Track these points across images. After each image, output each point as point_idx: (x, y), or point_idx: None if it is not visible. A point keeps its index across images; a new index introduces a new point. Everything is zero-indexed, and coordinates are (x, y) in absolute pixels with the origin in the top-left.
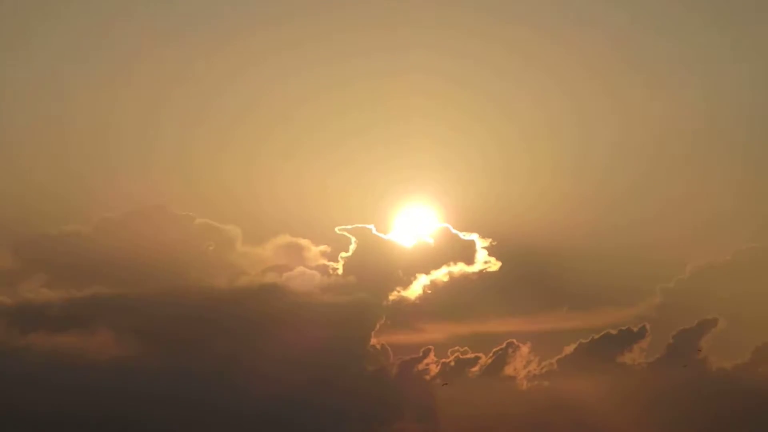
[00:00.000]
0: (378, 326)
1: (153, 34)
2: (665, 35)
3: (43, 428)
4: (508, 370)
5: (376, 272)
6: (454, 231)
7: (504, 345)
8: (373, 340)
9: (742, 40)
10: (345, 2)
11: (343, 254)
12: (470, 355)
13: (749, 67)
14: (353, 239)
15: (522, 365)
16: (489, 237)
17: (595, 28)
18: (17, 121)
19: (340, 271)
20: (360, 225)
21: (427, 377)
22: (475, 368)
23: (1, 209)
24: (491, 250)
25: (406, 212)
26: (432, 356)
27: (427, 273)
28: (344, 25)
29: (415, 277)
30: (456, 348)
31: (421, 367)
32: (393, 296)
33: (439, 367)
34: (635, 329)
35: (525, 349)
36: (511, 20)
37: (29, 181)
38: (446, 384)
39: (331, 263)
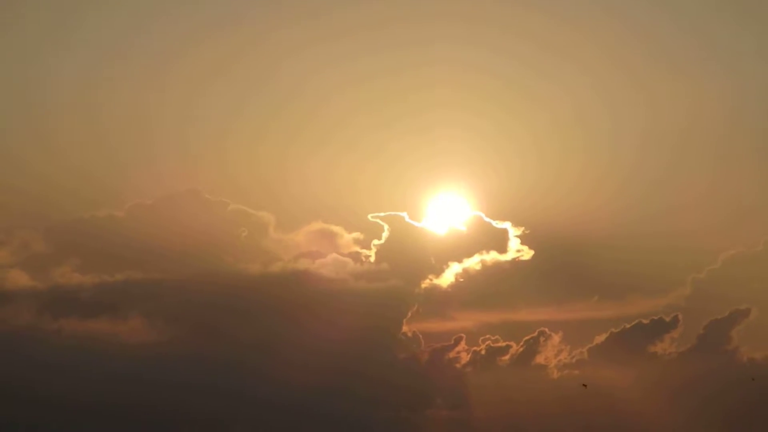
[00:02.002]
0: (410, 314)
1: (192, 30)
2: (691, 28)
3: (73, 412)
4: (539, 358)
5: (409, 260)
6: (487, 219)
7: (535, 334)
8: (405, 328)
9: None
10: None
11: (376, 241)
12: (501, 344)
13: None
14: (386, 227)
15: (553, 354)
16: (522, 225)
17: (623, 21)
18: (56, 107)
19: (372, 259)
20: (393, 212)
21: (458, 365)
22: (506, 357)
23: (34, 194)
24: (524, 239)
25: (438, 200)
26: (463, 344)
27: (460, 261)
28: (375, 19)
29: (448, 265)
30: (487, 336)
31: (452, 354)
32: (425, 284)
33: (470, 355)
34: (667, 319)
35: (556, 338)
36: (540, 12)
37: (63, 166)
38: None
39: (363, 250)
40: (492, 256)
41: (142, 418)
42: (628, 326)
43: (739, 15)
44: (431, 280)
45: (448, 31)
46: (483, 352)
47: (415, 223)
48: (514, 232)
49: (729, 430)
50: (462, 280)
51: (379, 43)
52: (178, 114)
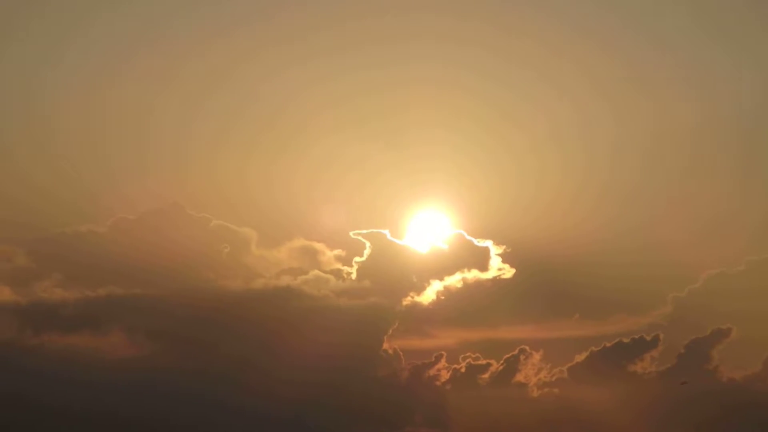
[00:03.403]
0: (391, 331)
1: (177, 48)
2: (663, 46)
3: (54, 426)
4: (519, 377)
5: (390, 277)
6: (469, 237)
7: (516, 352)
8: (386, 345)
9: (740, 49)
10: (365, 14)
11: (358, 259)
12: (482, 362)
13: (749, 74)
14: (368, 244)
15: (533, 372)
16: (503, 244)
17: (598, 41)
18: (31, 122)
19: (354, 276)
20: (374, 230)
21: (438, 383)
22: (486, 375)
23: (16, 208)
24: (505, 257)
25: (420, 218)
26: (443, 362)
27: (441, 279)
28: (362, 37)
29: (429, 283)
30: (468, 354)
31: (432, 372)
32: (406, 301)
33: (450, 373)
34: (648, 338)
35: (536, 356)
36: (518, 35)
37: (44, 181)
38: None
39: (345, 267)
40: (473, 274)
41: (124, 426)
42: (608, 345)
43: (709, 34)
44: (412, 297)
45: (430, 51)
46: (463, 369)
47: (397, 241)
48: (495, 250)
49: None
50: (443, 297)
51: (366, 61)
52: (163, 129)
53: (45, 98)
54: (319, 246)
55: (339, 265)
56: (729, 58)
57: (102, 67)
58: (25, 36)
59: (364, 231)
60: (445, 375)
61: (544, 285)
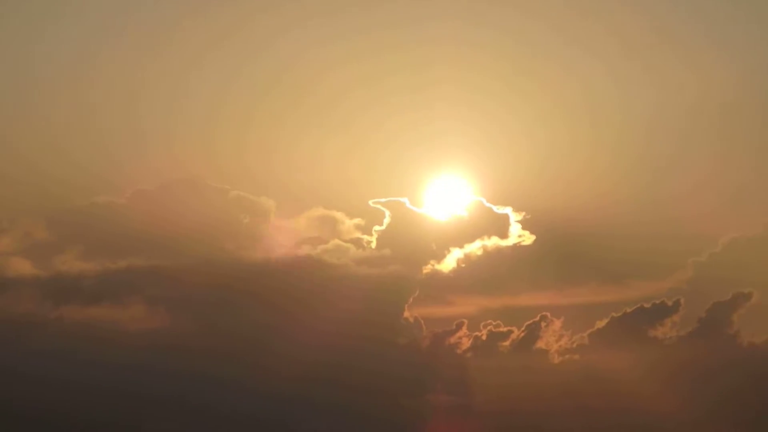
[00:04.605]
0: (411, 299)
1: (182, 10)
2: (700, 13)
3: (75, 395)
4: (540, 343)
5: (410, 246)
6: (488, 204)
7: (537, 319)
8: (407, 313)
9: None
10: None
11: (377, 227)
12: (503, 329)
13: None
14: (387, 212)
15: (554, 339)
16: (523, 210)
17: (633, 5)
18: (51, 94)
19: (373, 245)
20: (393, 198)
21: (459, 350)
22: (507, 342)
23: (35, 182)
24: (525, 224)
25: (439, 185)
26: (464, 330)
27: (461, 247)
28: None
29: (449, 251)
30: (489, 321)
31: (453, 340)
32: (426, 269)
33: (471, 341)
34: (669, 303)
35: (557, 323)
36: None
37: (62, 153)
38: None
39: (365, 236)
40: (493, 242)
41: (143, 402)
42: (629, 311)
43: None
44: (433, 265)
45: (453, 9)
46: (484, 337)
47: (416, 209)
48: (515, 217)
49: (727, 411)
50: (463, 265)
51: (384, 19)
52: (184, 103)
53: (52, 77)
54: (338, 215)
55: (359, 234)
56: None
57: (127, 38)
58: (57, 17)
59: (383, 200)
60: (466, 343)
61: (564, 251)
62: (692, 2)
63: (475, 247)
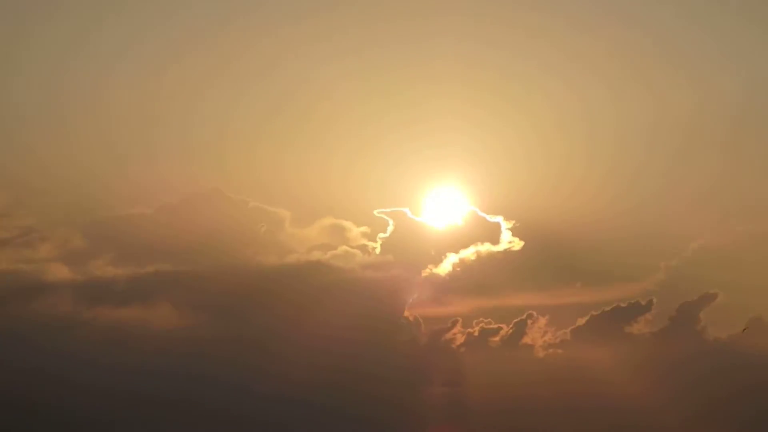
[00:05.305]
0: (411, 300)
1: (200, 24)
2: (697, 23)
3: (105, 393)
4: (527, 339)
5: (411, 251)
6: (481, 213)
7: (524, 316)
8: (407, 313)
9: None
10: None
11: (381, 235)
12: (493, 326)
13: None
14: (390, 221)
15: (539, 335)
16: (513, 219)
17: (630, 17)
18: (85, 113)
19: (378, 251)
20: (396, 208)
21: (454, 346)
22: (497, 338)
23: (71, 196)
24: (515, 231)
25: (437, 196)
26: (459, 327)
27: (456, 252)
28: (376, 14)
29: (446, 256)
30: (480, 319)
31: (448, 336)
32: (425, 273)
33: (464, 337)
34: (643, 302)
35: (542, 320)
36: (545, 7)
37: (95, 168)
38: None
39: (370, 243)
40: (486, 247)
41: (171, 400)
42: (607, 309)
43: (744, 9)
44: (431, 269)
45: (451, 26)
46: (476, 333)
47: (416, 218)
48: (506, 225)
49: (693, 397)
50: (458, 269)
51: (383, 38)
52: (204, 120)
53: (81, 93)
54: (346, 224)
55: (365, 241)
56: (763, 33)
57: (148, 55)
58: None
59: (387, 209)
60: (460, 338)
61: (550, 256)
62: (686, 19)
63: (469, 253)
